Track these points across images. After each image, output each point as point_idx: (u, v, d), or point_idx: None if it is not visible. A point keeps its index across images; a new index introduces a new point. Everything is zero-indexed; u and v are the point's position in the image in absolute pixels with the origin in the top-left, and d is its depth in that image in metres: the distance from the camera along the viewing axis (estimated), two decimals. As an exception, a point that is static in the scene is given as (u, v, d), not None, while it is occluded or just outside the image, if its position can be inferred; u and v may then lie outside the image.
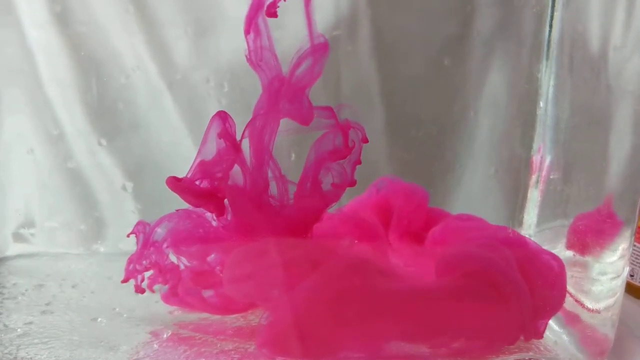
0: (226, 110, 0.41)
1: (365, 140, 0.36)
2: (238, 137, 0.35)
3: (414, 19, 0.44)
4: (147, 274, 0.37)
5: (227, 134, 0.34)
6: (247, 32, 0.34)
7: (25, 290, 0.41)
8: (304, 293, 0.34)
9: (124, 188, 0.45)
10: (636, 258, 0.46)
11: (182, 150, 0.45)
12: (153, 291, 0.37)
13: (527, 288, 0.35)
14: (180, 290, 0.37)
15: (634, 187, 0.34)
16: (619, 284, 0.36)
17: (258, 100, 0.35)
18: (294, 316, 0.33)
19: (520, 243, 0.39)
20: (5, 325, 0.37)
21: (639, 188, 0.34)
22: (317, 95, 0.35)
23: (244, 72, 0.34)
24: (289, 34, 0.34)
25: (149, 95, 0.44)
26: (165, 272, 0.36)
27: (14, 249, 0.45)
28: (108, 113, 0.44)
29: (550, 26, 0.41)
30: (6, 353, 0.35)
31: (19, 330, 0.37)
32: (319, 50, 0.34)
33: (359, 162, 0.36)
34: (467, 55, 0.45)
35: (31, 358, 0.35)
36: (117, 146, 0.45)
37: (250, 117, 0.35)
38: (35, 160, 0.44)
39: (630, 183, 0.35)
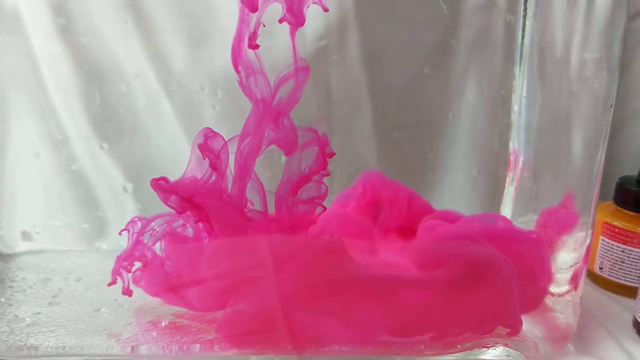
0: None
1: (331, 155, 0.36)
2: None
3: (399, 30, 0.46)
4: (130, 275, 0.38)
5: (209, 152, 0.35)
6: (236, 69, 0.34)
7: (34, 284, 0.43)
8: (281, 280, 0.35)
9: (125, 189, 0.46)
10: (605, 252, 0.49)
11: (179, 152, 0.45)
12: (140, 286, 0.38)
13: (515, 280, 0.36)
14: (148, 284, 0.38)
15: (588, 183, 0.37)
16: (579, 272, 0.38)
17: (247, 119, 0.35)
18: (275, 303, 0.35)
19: (503, 232, 0.40)
20: (15, 316, 0.39)
21: (594, 184, 0.36)
22: (309, 101, 0.37)
23: (237, 79, 0.35)
24: (279, 43, 0.35)
25: (148, 101, 0.45)
26: (150, 267, 0.38)
27: (22, 246, 0.46)
28: (109, 119, 0.45)
29: (523, 35, 0.43)
30: (17, 340, 0.38)
31: (28, 320, 0.39)
32: (300, 73, 0.35)
33: (328, 175, 0.36)
34: (448, 63, 0.47)
35: (40, 345, 0.37)
36: (118, 150, 0.46)
37: (242, 122, 0.36)
38: (40, 164, 0.45)
39: (585, 180, 0.37)
